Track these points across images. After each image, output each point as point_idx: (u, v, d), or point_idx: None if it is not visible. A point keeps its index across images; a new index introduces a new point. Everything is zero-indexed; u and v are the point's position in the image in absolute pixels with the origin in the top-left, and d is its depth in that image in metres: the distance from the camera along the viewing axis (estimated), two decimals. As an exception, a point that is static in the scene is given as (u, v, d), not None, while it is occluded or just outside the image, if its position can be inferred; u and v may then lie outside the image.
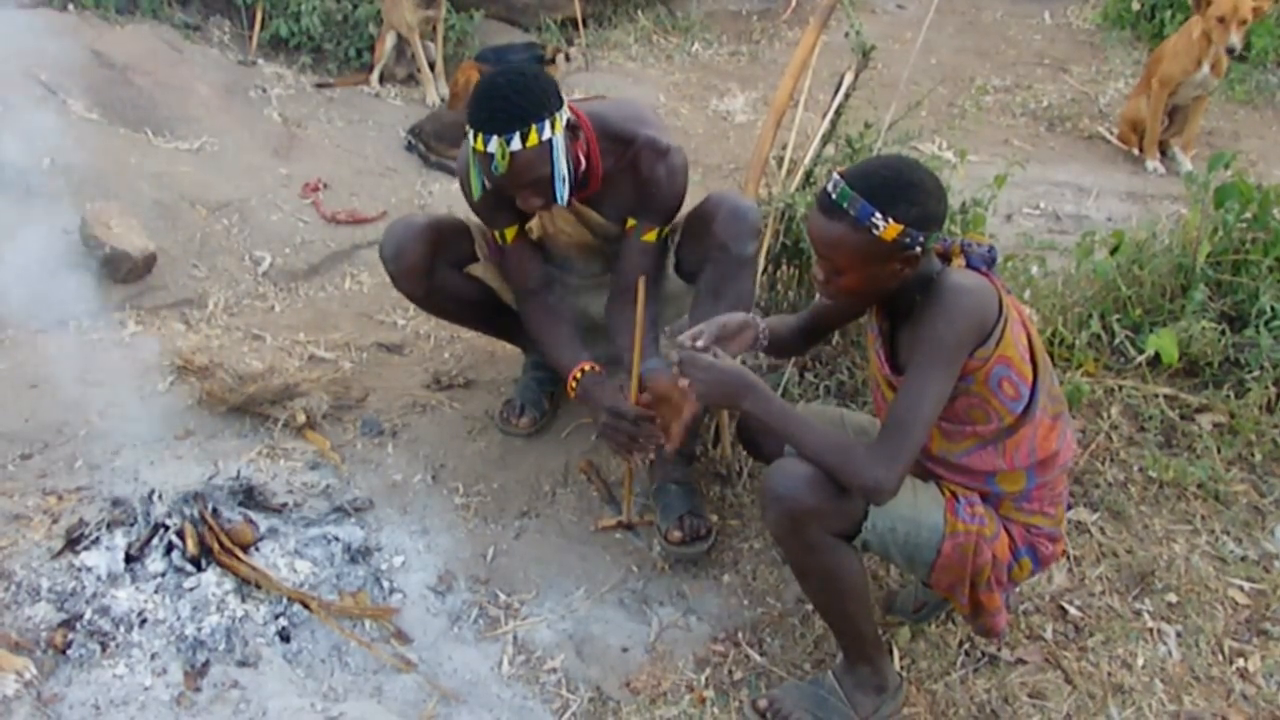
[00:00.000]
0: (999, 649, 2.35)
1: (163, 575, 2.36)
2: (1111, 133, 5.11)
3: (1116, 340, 2.98)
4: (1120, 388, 2.93)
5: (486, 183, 2.40)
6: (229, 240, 3.80)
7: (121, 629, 2.24)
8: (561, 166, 2.32)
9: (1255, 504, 2.72)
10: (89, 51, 4.61)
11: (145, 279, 3.47)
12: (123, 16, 5.09)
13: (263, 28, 5.35)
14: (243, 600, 2.34)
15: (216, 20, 5.47)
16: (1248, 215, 3.01)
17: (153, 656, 2.21)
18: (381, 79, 5.29)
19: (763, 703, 2.20)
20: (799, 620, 2.43)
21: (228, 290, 3.57)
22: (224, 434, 2.82)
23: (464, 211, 2.76)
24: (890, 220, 1.83)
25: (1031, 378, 1.97)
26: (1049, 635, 2.39)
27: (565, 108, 2.33)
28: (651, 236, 2.56)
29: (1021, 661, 2.33)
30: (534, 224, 2.59)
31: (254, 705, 2.14)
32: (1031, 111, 5.40)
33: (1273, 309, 2.90)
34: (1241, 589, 2.51)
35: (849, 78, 3.09)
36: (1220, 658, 2.36)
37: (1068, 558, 2.54)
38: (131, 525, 2.45)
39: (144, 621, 2.26)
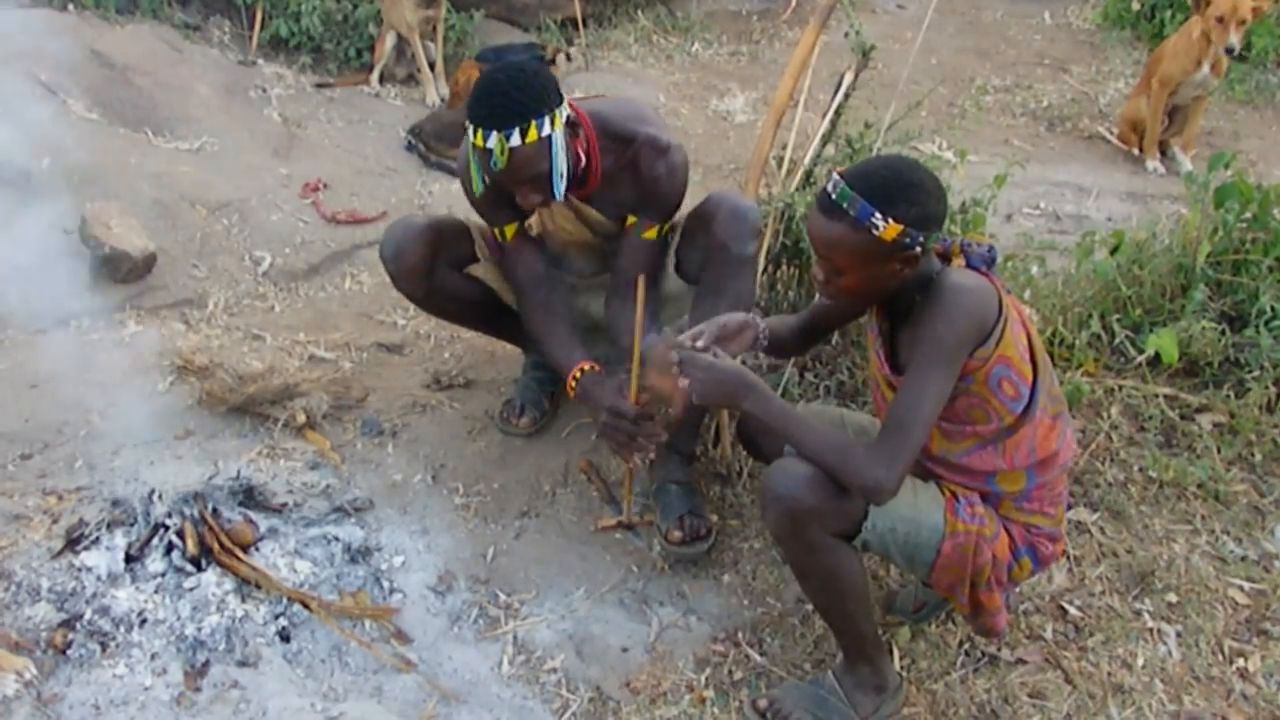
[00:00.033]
0: (999, 649, 2.35)
1: (163, 575, 2.36)
2: (1111, 133, 5.11)
3: (1116, 340, 2.98)
4: (1120, 388, 2.93)
5: (485, 178, 2.40)
6: (229, 240, 3.80)
7: (121, 629, 2.24)
8: (560, 163, 2.32)
9: (1255, 504, 2.72)
10: (89, 51, 4.61)
11: (145, 279, 3.47)
12: (123, 16, 5.10)
13: (263, 28, 5.35)
14: (243, 600, 2.34)
15: (216, 20, 5.47)
16: (1248, 215, 3.01)
17: (153, 656, 2.21)
18: (381, 79, 5.29)
19: (763, 703, 2.20)
20: (799, 620, 2.43)
21: (228, 290, 3.57)
22: (224, 434, 2.82)
23: (464, 212, 2.77)
24: (890, 220, 1.83)
25: (1031, 378, 1.97)
26: (1049, 635, 2.39)
27: (565, 104, 2.33)
28: (652, 234, 2.56)
29: (1021, 661, 2.33)
30: (533, 221, 2.59)
31: (254, 705, 2.14)
32: (1031, 111, 5.40)
33: (1273, 309, 2.90)
34: (1241, 589, 2.51)
35: (849, 78, 3.09)
36: (1220, 658, 2.36)
37: (1068, 558, 2.55)
38: (131, 525, 2.45)
39: (144, 621, 2.26)
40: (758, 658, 2.36)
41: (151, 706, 2.12)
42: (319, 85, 5.20)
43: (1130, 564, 2.55)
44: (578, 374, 2.52)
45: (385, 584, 2.46)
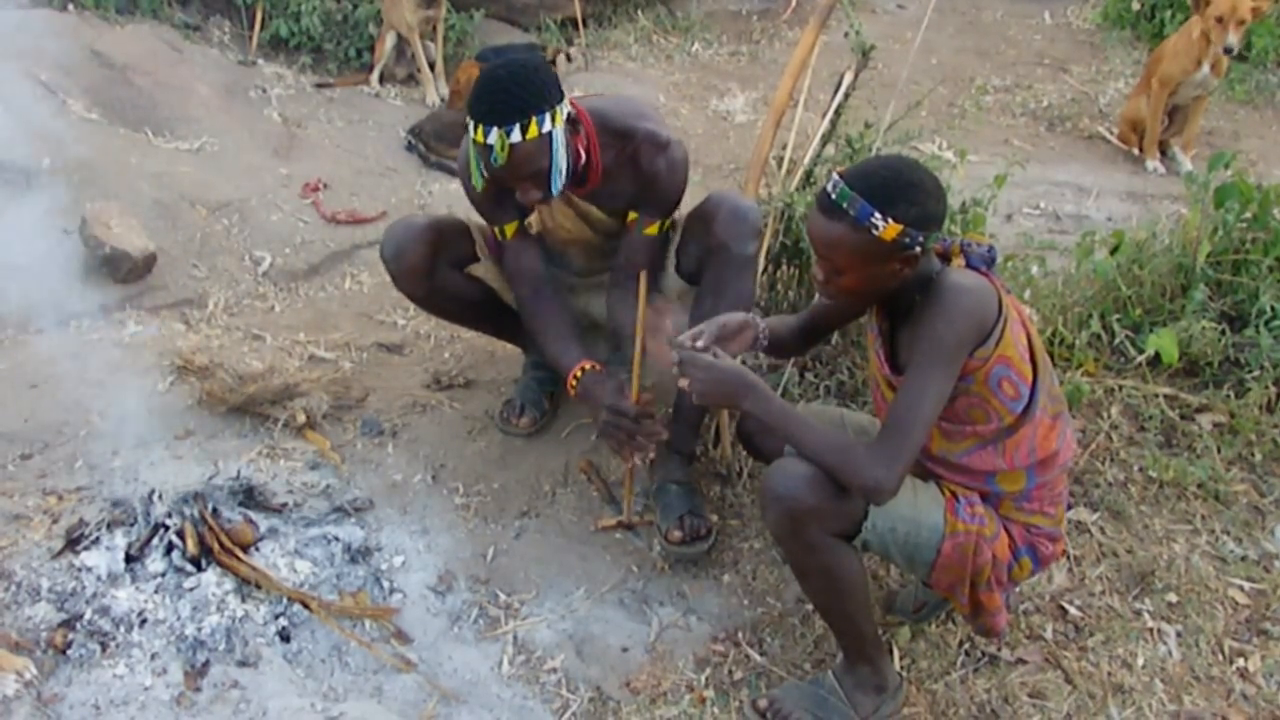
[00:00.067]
0: (999, 649, 2.35)
1: (163, 575, 2.36)
2: (1111, 133, 5.11)
3: (1116, 340, 2.98)
4: (1120, 388, 2.93)
5: (485, 174, 2.40)
6: (229, 240, 3.81)
7: (121, 629, 2.24)
8: (560, 159, 2.32)
9: (1255, 504, 2.72)
10: (89, 51, 4.61)
11: (145, 279, 3.47)
12: (123, 16, 5.10)
13: (263, 28, 5.36)
14: (243, 600, 2.34)
15: (216, 20, 5.47)
16: (1248, 215, 3.02)
17: (153, 656, 2.21)
18: (381, 79, 5.29)
19: (763, 703, 2.20)
20: (799, 620, 2.43)
21: (228, 290, 3.57)
22: (224, 434, 2.82)
23: (464, 211, 2.77)
24: (890, 220, 1.83)
25: (1031, 377, 1.97)
26: (1049, 635, 2.39)
27: (566, 101, 2.33)
28: (653, 230, 2.56)
29: (1021, 661, 2.33)
30: (534, 220, 2.59)
31: (254, 705, 2.14)
32: (1031, 111, 5.40)
33: (1273, 309, 2.90)
34: (1241, 589, 2.51)
35: (849, 78, 3.09)
36: (1220, 658, 2.36)
37: (1068, 558, 2.54)
38: (131, 525, 2.45)
39: (144, 621, 2.26)
40: (758, 658, 2.36)
41: (151, 706, 2.12)
42: (319, 85, 5.20)
43: (1130, 564, 2.55)
44: (578, 373, 2.52)
45: (385, 584, 2.46)
